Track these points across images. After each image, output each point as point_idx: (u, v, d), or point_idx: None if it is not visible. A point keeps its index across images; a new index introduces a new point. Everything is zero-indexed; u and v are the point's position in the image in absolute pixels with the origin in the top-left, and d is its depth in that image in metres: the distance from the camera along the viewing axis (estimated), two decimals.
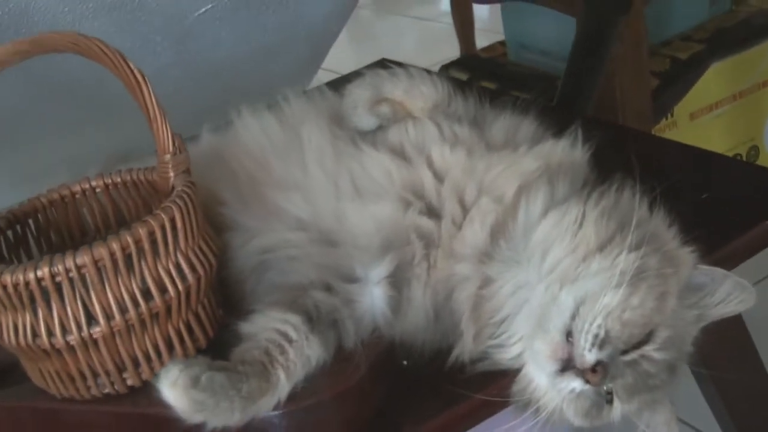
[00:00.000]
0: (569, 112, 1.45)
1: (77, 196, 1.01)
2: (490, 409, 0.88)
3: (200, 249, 0.91)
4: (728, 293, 0.88)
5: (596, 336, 0.81)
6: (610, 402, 0.85)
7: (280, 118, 1.02)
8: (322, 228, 0.92)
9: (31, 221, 0.99)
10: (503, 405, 0.88)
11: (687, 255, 0.88)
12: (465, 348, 0.88)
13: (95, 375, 0.88)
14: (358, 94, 0.98)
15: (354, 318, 0.88)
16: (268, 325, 0.86)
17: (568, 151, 0.94)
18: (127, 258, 0.85)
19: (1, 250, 0.95)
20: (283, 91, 1.05)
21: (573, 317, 0.82)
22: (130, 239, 0.84)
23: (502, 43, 2.27)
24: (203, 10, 1.56)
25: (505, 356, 0.88)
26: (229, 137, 1.05)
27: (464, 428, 0.88)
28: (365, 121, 0.98)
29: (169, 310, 0.88)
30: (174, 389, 0.77)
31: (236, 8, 1.58)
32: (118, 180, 1.01)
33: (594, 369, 0.81)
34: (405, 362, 0.91)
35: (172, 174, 0.93)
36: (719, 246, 1.01)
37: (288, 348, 0.84)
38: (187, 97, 1.52)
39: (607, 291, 0.81)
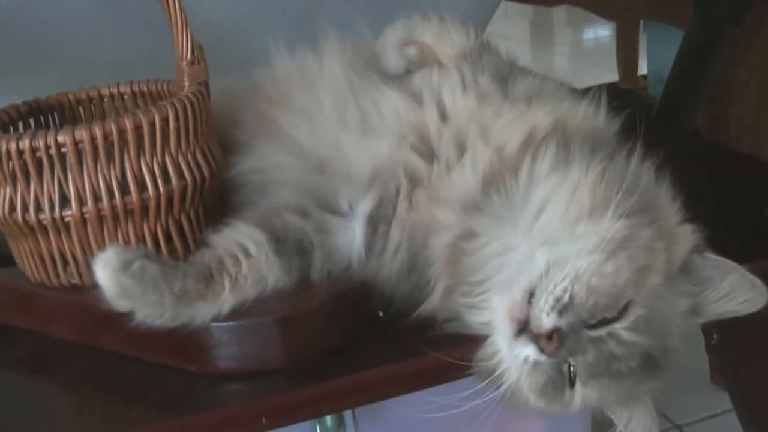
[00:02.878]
0: (668, 127, 1.35)
1: (105, 99, 1.02)
2: (449, 372, 0.80)
3: (194, 158, 0.89)
4: (733, 289, 0.77)
5: (558, 300, 0.73)
6: (572, 385, 0.76)
7: (316, 52, 0.99)
8: (319, 156, 0.88)
9: (56, 114, 1.00)
10: (463, 371, 0.80)
11: (686, 233, 0.78)
12: (434, 302, 0.82)
13: (65, 262, 0.88)
14: (389, 34, 0.95)
15: (324, 249, 0.84)
16: (231, 237, 0.83)
17: (591, 117, 0.86)
18: (109, 146, 0.84)
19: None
20: None
21: (541, 278, 0.74)
22: (114, 127, 0.83)
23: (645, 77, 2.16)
24: None
25: (477, 319, 0.81)
26: (266, 68, 1.03)
27: (416, 387, 0.82)
28: (393, 62, 0.94)
29: (146, 209, 0.87)
30: (104, 270, 0.76)
31: None
32: (145, 89, 1.01)
33: (550, 336, 0.73)
34: (381, 313, 0.86)
35: (187, 83, 0.93)
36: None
37: (243, 261, 0.81)
38: None
39: (583, 256, 0.73)
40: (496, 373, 0.77)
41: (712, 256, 0.78)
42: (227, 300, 0.79)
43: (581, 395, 0.76)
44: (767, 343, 1.00)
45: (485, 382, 0.78)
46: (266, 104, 0.97)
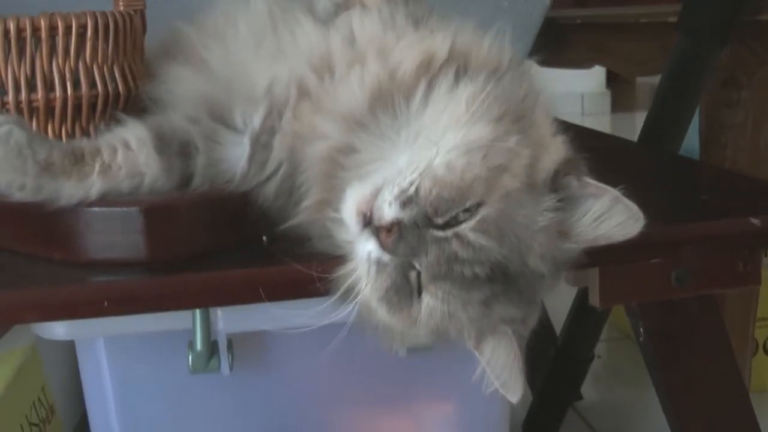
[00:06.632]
0: (653, 149, 1.30)
1: None
2: (308, 285, 0.77)
3: (110, 72, 0.91)
4: (606, 211, 0.73)
5: (403, 191, 0.70)
6: (419, 293, 0.72)
7: None
8: (227, 78, 0.89)
9: None
10: (323, 284, 0.77)
11: (557, 144, 0.75)
12: (305, 213, 0.80)
13: None
14: None
15: (209, 156, 0.83)
16: (118, 132, 0.83)
17: (496, 51, 0.84)
18: (22, 42, 0.86)
19: None
20: None
21: (395, 174, 0.71)
22: (27, 23, 0.86)
23: None
24: None
25: (345, 237, 0.78)
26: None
27: (271, 295, 0.79)
28: (321, 3, 0.94)
29: (52, 110, 0.88)
30: None
31: None
32: None
33: (390, 229, 0.69)
34: (264, 238, 0.84)
35: (121, 6, 0.95)
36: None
37: (120, 152, 0.81)
38: None
39: (440, 154, 0.70)
40: (349, 282, 0.74)
41: (590, 181, 0.74)
42: (95, 184, 0.79)
43: (426, 305, 0.72)
44: (690, 338, 0.93)
45: (340, 293, 0.75)
46: (195, 34, 0.98)
